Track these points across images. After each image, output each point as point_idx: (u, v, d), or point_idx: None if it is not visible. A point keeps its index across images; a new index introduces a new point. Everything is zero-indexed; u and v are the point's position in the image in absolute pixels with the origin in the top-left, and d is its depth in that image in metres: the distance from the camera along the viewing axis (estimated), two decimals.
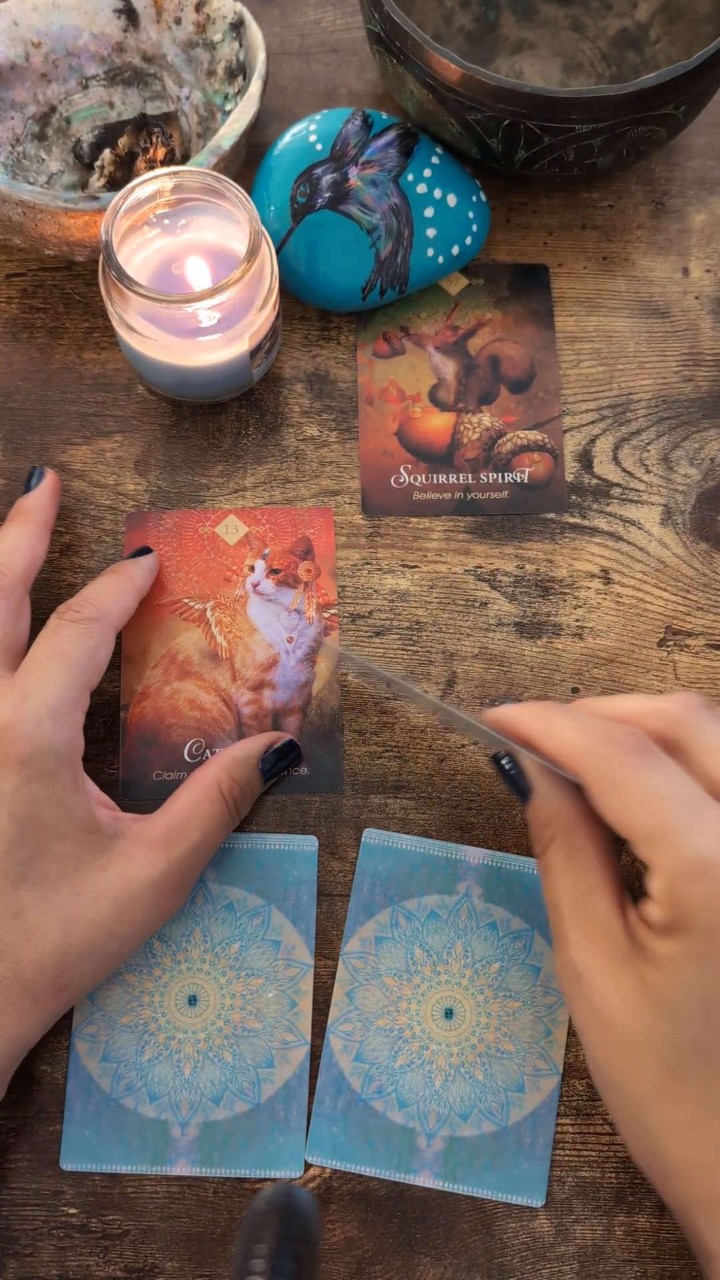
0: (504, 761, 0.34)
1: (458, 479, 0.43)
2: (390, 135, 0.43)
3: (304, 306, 0.45)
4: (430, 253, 0.43)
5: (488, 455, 0.44)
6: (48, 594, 0.41)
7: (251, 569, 0.42)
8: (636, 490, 0.43)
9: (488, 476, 0.44)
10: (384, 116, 0.44)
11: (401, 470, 0.44)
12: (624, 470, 0.44)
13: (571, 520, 0.43)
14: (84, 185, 0.46)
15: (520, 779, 0.34)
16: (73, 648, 0.35)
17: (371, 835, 0.39)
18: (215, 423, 0.44)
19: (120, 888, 0.34)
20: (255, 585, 0.42)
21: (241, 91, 0.44)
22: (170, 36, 0.46)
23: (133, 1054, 0.37)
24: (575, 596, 0.42)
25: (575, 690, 0.41)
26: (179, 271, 0.40)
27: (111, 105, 0.47)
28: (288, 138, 0.43)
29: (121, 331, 0.39)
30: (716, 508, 0.43)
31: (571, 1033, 0.37)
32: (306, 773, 0.40)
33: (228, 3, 0.45)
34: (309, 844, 0.39)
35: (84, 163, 0.46)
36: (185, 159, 0.46)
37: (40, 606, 0.39)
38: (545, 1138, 0.36)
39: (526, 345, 0.45)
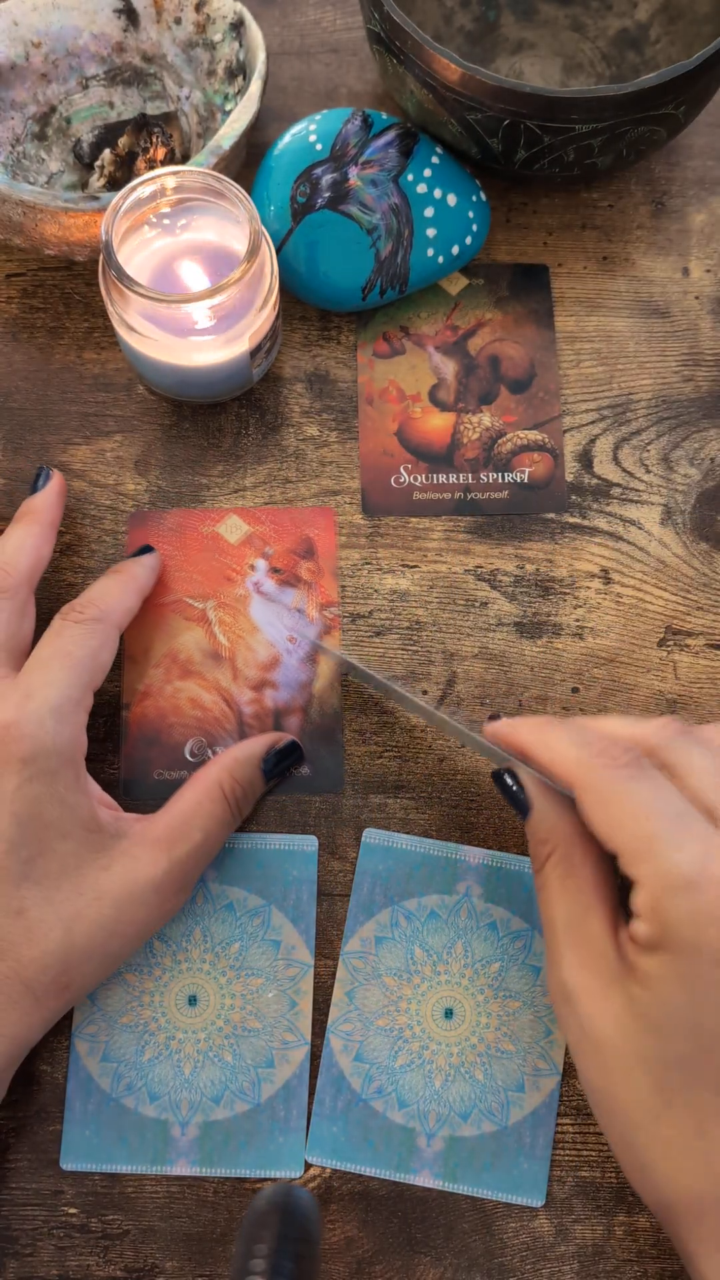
0: (505, 777, 0.34)
1: (458, 479, 0.43)
2: (390, 135, 0.43)
3: (304, 306, 0.45)
4: (430, 253, 0.43)
5: (488, 455, 0.44)
6: (48, 594, 0.41)
7: (253, 568, 0.42)
8: (636, 490, 0.43)
9: (488, 476, 0.44)
10: (384, 116, 0.44)
11: (401, 470, 0.44)
12: (624, 470, 0.44)
13: (571, 520, 0.43)
14: (84, 185, 0.46)
15: (520, 795, 0.34)
16: (76, 648, 0.35)
17: (371, 835, 0.39)
18: (215, 423, 0.44)
19: (122, 887, 0.34)
20: (257, 585, 0.42)
21: (241, 91, 0.44)
22: (170, 36, 0.46)
23: (133, 1054, 0.37)
24: (575, 596, 0.42)
25: (575, 690, 0.41)
26: (179, 272, 0.40)
27: (111, 105, 0.47)
28: (288, 138, 0.43)
29: (122, 331, 0.39)
30: (716, 508, 0.43)
31: None
32: (308, 772, 0.40)
33: (228, 3, 0.45)
34: (309, 844, 0.39)
35: (84, 163, 0.46)
36: (185, 159, 0.46)
37: (40, 606, 0.39)
38: (545, 1137, 0.36)
39: (526, 345, 0.45)
